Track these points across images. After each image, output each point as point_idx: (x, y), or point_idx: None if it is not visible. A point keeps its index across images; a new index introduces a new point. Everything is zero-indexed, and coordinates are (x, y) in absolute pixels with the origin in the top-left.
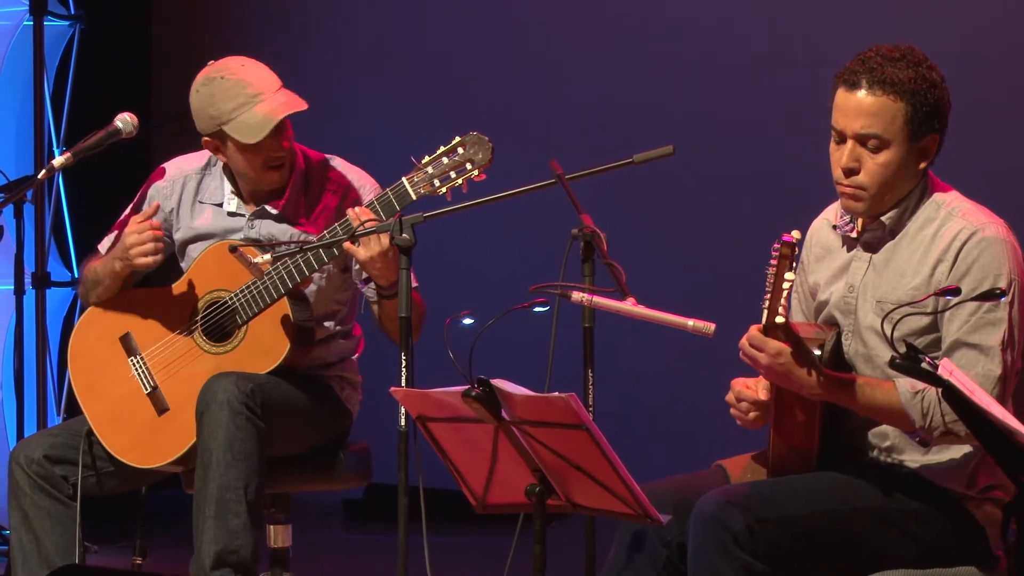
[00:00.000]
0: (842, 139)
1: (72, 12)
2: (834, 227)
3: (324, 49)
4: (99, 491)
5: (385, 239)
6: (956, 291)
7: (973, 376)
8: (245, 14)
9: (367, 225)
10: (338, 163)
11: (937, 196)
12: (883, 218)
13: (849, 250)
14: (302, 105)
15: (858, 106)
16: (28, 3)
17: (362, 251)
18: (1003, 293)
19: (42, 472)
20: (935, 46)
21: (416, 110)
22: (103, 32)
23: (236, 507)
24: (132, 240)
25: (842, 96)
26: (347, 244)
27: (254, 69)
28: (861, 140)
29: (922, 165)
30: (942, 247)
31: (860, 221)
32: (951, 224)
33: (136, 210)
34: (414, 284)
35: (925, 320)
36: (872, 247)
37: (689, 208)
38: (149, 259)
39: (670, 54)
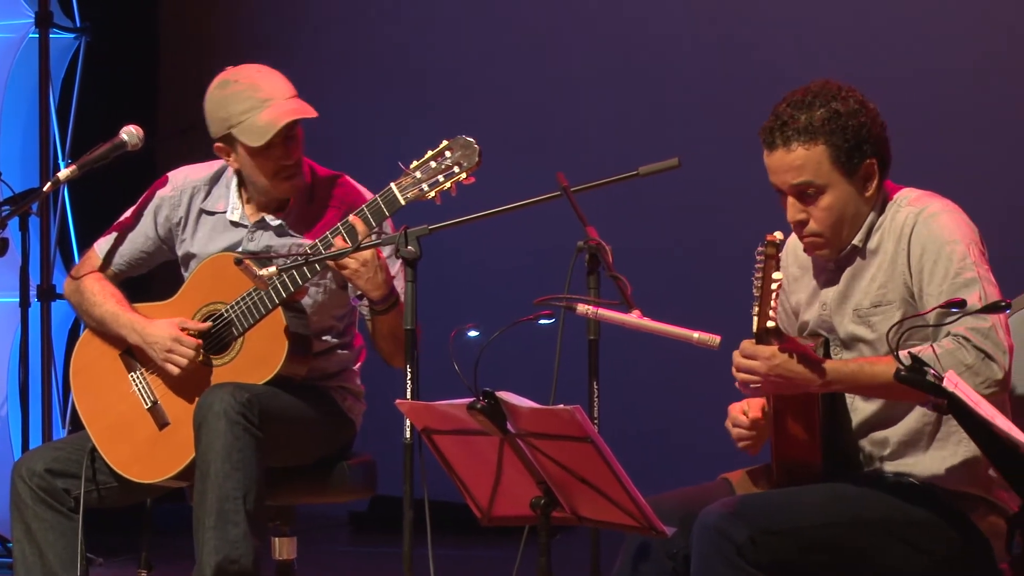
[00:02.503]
0: (782, 195)
1: (78, 25)
2: (806, 249)
3: (331, 62)
4: (101, 504)
5: (365, 251)
6: (961, 304)
7: (964, 331)
8: (252, 27)
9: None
10: (345, 180)
11: (891, 201)
12: (854, 241)
13: (820, 271)
14: (310, 112)
15: (782, 163)
16: (34, 16)
17: (348, 266)
18: (964, 303)
19: (44, 485)
20: (944, 62)
21: (420, 121)
22: (109, 45)
23: (235, 517)
24: (173, 347)
25: (767, 157)
26: (330, 262)
27: (269, 76)
28: (799, 192)
29: (869, 192)
30: (895, 238)
31: None
32: (899, 216)
33: (138, 214)
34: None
35: (898, 314)
36: (842, 265)
37: (694, 221)
38: (175, 369)
39: (675, 67)
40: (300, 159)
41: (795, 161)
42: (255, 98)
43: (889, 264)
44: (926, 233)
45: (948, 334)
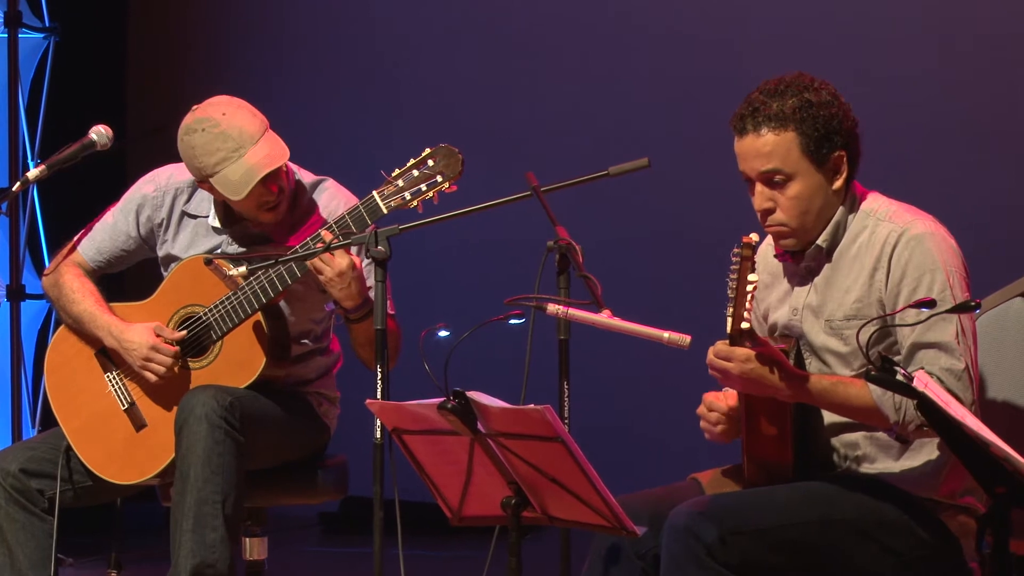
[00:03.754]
0: (751, 183)
1: (47, 24)
2: (776, 256)
3: (298, 62)
4: (75, 504)
5: (343, 261)
6: (931, 303)
7: (938, 371)
8: (220, 27)
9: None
10: (330, 185)
11: (864, 206)
12: (818, 241)
13: (791, 275)
14: (283, 156)
15: (751, 148)
16: (2, 16)
17: (323, 272)
18: (934, 302)
19: (18, 485)
20: (918, 62)
21: (391, 123)
22: (78, 45)
23: (213, 521)
24: (151, 355)
25: (737, 143)
26: (309, 265)
27: (235, 117)
28: (767, 179)
29: (837, 184)
30: (875, 255)
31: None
32: (879, 230)
33: (121, 211)
34: (390, 311)
35: (872, 328)
36: (813, 271)
37: (664, 221)
38: (152, 377)
39: (644, 67)
40: (282, 188)
41: (764, 147)
42: (226, 148)
43: (867, 279)
44: (907, 257)
45: (921, 367)
